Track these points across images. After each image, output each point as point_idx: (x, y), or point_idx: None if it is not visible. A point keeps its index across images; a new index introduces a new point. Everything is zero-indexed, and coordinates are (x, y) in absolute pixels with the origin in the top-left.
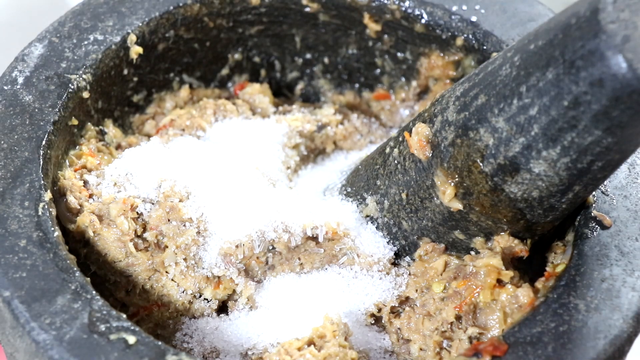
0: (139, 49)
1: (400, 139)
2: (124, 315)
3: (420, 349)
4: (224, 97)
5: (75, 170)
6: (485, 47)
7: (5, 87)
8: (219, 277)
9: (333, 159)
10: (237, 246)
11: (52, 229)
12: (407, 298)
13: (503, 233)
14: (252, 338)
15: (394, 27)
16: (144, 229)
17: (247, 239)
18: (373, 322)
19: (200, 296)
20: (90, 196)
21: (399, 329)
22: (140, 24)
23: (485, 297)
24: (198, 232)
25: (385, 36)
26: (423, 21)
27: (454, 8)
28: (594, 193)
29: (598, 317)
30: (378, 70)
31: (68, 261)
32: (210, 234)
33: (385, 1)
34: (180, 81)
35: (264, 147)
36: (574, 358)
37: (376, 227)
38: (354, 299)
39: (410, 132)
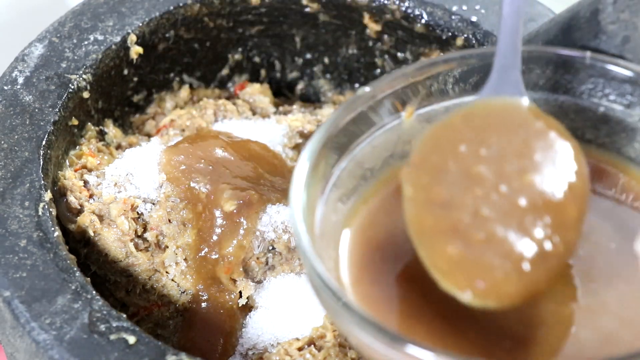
0: (139, 49)
1: None
2: (124, 315)
3: None
4: (224, 97)
5: (75, 170)
6: None
7: (5, 87)
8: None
9: None
10: None
11: (52, 229)
12: None
13: None
14: (252, 338)
15: (394, 27)
16: (145, 229)
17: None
18: None
19: None
20: (91, 196)
21: None
22: (140, 24)
23: None
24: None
25: (385, 36)
26: (423, 21)
27: (454, 8)
28: None
29: None
30: (378, 70)
31: (68, 261)
32: None
33: (385, 1)
34: (181, 81)
35: None
36: None
37: None
38: None
39: None
